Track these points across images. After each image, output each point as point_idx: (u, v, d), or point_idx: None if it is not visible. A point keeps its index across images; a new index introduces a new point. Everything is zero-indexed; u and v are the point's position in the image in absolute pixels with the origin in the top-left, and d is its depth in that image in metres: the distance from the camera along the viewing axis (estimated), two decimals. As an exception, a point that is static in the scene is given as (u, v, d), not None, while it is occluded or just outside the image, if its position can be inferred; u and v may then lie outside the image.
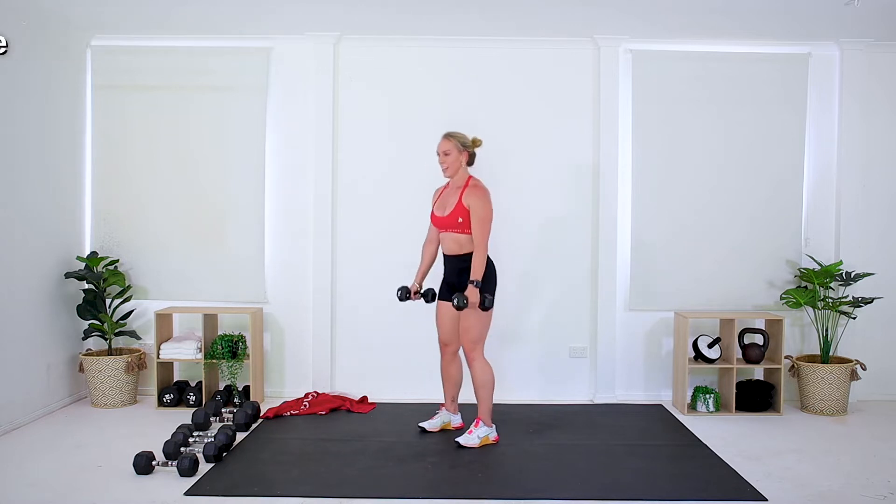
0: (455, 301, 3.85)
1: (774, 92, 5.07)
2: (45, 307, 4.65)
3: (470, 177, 4.09)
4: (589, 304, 5.11)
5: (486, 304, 3.90)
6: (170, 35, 5.05)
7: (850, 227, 5.07)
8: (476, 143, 4.13)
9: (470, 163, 4.13)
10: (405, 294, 4.19)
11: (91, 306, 4.85)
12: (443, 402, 4.36)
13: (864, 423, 4.59)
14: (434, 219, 4.16)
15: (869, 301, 4.80)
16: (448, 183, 4.17)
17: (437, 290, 4.22)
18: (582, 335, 5.12)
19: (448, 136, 4.09)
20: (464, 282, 3.94)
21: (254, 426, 4.38)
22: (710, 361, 4.83)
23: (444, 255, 4.14)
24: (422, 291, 4.23)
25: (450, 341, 4.19)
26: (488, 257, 4.04)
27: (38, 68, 4.56)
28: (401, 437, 4.19)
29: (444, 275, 4.17)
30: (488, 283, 4.00)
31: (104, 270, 4.91)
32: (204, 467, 3.64)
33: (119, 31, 5.02)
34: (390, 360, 5.08)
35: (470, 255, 3.97)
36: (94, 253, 4.93)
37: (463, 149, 4.06)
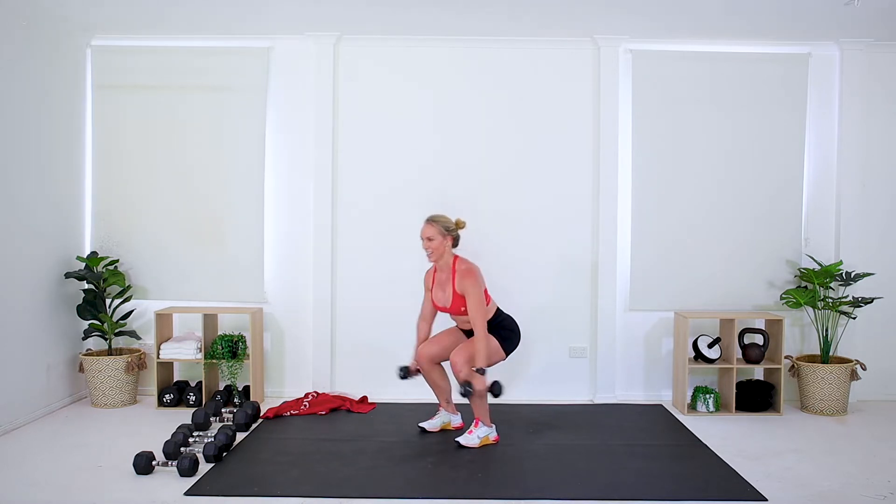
0: (461, 391, 3.86)
1: (774, 92, 5.07)
2: (45, 307, 4.65)
3: (456, 258, 4.10)
4: (589, 304, 5.11)
5: (495, 393, 3.91)
6: (169, 35, 5.05)
7: (850, 227, 5.07)
8: (459, 225, 4.13)
9: (454, 244, 4.13)
10: (405, 373, 4.21)
11: (91, 306, 4.85)
12: (442, 402, 4.37)
13: (864, 423, 4.59)
14: (436, 307, 4.20)
15: (869, 301, 4.80)
16: (435, 267, 4.17)
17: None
18: (582, 335, 5.12)
19: (431, 221, 4.08)
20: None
21: (254, 426, 4.38)
22: (710, 361, 4.83)
23: (460, 329, 4.24)
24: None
25: (435, 356, 4.19)
26: (507, 315, 4.16)
27: (37, 68, 4.56)
28: (401, 437, 4.19)
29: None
30: (512, 333, 4.13)
31: (104, 270, 4.91)
32: (204, 467, 3.64)
33: (118, 31, 5.02)
34: (390, 360, 5.06)
35: None
36: (94, 253, 4.93)
37: (447, 233, 4.06)
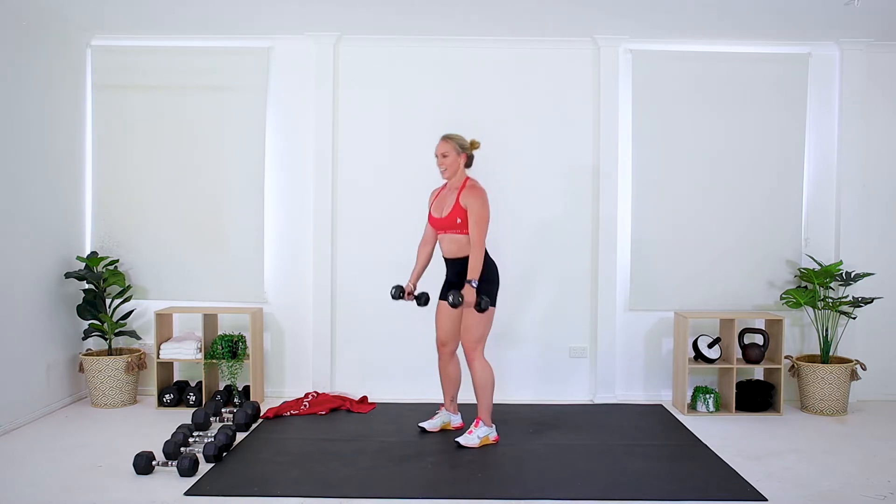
0: (450, 298, 3.81)
1: (774, 92, 5.07)
2: (45, 307, 4.65)
3: (467, 178, 4.09)
4: (589, 304, 5.11)
5: (481, 306, 3.88)
6: (170, 35, 5.05)
7: (850, 227, 5.07)
8: (474, 145, 4.13)
9: (468, 164, 4.13)
10: (399, 293, 4.17)
11: (91, 306, 4.85)
12: (442, 402, 4.36)
13: (864, 423, 4.59)
14: (432, 220, 4.17)
15: (869, 301, 4.80)
16: (445, 184, 4.18)
17: (434, 295, 4.22)
18: (582, 335, 5.12)
19: (446, 138, 4.10)
20: (464, 282, 3.94)
21: (254, 426, 4.38)
22: (710, 361, 4.83)
23: (444, 258, 4.14)
24: (416, 294, 4.22)
25: (448, 341, 4.19)
26: (491, 259, 4.05)
27: (38, 68, 4.56)
28: (401, 437, 4.19)
29: (446, 275, 4.18)
30: (489, 284, 4.00)
31: (104, 270, 4.91)
32: (204, 467, 3.64)
33: (119, 31, 5.02)
34: (390, 360, 5.08)
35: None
36: (94, 253, 4.93)
37: (461, 151, 4.07)
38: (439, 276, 4.21)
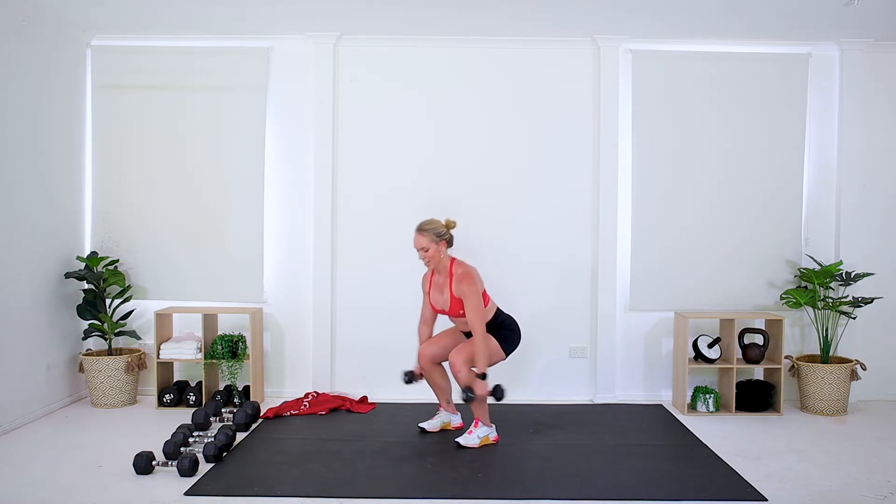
0: (463, 396, 3.84)
1: (774, 92, 5.07)
2: (45, 307, 4.65)
3: (453, 261, 4.08)
4: (589, 304, 5.11)
5: (497, 397, 3.90)
6: (169, 35, 5.05)
7: (850, 227, 5.07)
8: (450, 225, 4.09)
9: (449, 245, 4.10)
10: (410, 378, 4.19)
11: (91, 306, 4.85)
12: (442, 402, 4.37)
13: (864, 423, 4.59)
14: (435, 310, 4.18)
15: (869, 301, 4.80)
16: (433, 271, 4.16)
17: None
18: (582, 335, 5.12)
19: (421, 232, 4.03)
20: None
21: (254, 426, 4.38)
22: (710, 361, 4.83)
23: (458, 329, 4.24)
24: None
25: (435, 356, 4.18)
26: (507, 315, 4.17)
27: (37, 68, 4.56)
28: (401, 437, 4.19)
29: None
30: (512, 333, 4.12)
31: (104, 270, 4.91)
32: (204, 467, 3.64)
33: (118, 31, 5.02)
34: (390, 360, 5.07)
35: None
36: (94, 253, 4.93)
37: (439, 239, 4.03)
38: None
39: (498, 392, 3.89)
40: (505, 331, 4.12)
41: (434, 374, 4.23)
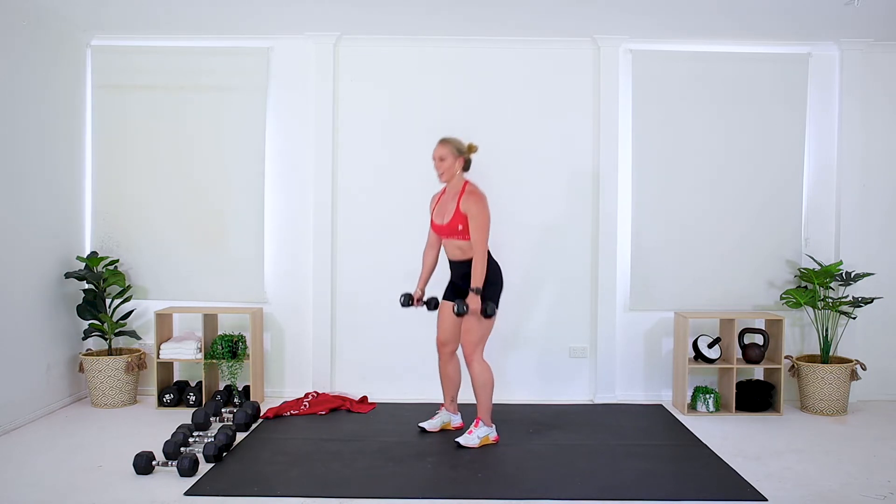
0: (455, 308, 3.85)
1: (774, 92, 5.07)
2: (45, 307, 4.65)
3: (466, 182, 4.07)
4: (589, 304, 5.11)
5: (487, 312, 3.89)
6: (170, 35, 5.05)
7: (850, 227, 5.07)
8: (472, 148, 4.11)
9: (466, 168, 4.11)
10: (408, 301, 4.19)
11: (91, 306, 4.85)
12: (442, 402, 4.36)
13: (864, 423, 4.59)
14: (434, 226, 4.16)
15: (869, 301, 4.80)
16: (444, 189, 4.16)
17: (440, 297, 4.23)
18: (582, 335, 5.12)
19: (443, 142, 4.07)
20: (468, 285, 3.94)
21: (254, 426, 4.38)
22: (710, 361, 4.83)
23: (449, 260, 4.15)
24: (425, 299, 4.24)
25: (448, 341, 4.19)
26: (495, 261, 4.06)
27: (37, 68, 4.56)
28: (401, 437, 4.19)
29: (451, 277, 4.18)
30: (493, 287, 4.00)
31: (104, 270, 4.91)
32: (204, 467, 3.64)
33: (119, 31, 5.02)
34: (390, 360, 5.08)
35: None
36: (94, 253, 4.93)
37: (458, 154, 4.04)
38: (444, 276, 4.21)
39: (489, 309, 3.89)
40: (487, 285, 3.96)
41: (449, 367, 4.24)
